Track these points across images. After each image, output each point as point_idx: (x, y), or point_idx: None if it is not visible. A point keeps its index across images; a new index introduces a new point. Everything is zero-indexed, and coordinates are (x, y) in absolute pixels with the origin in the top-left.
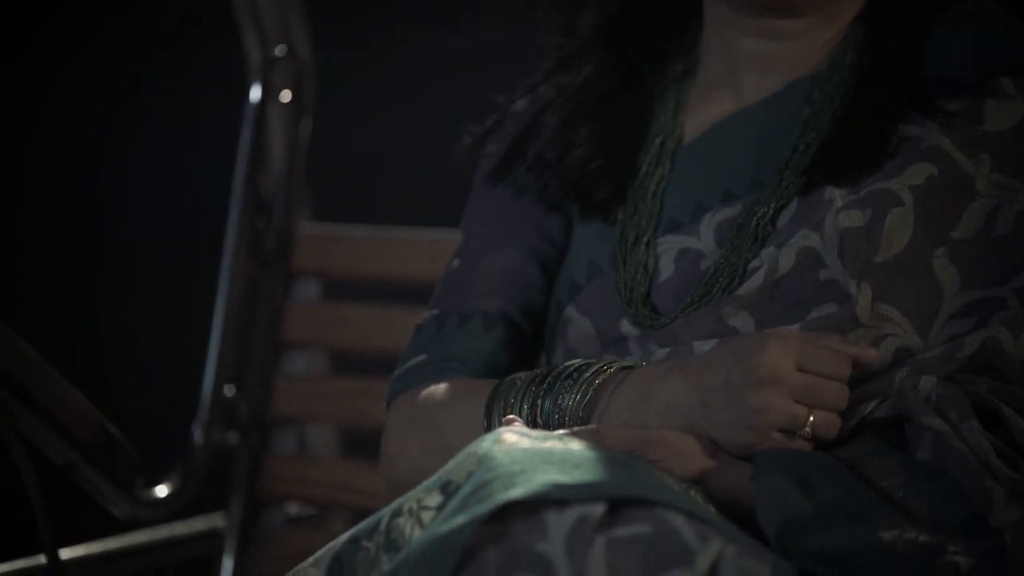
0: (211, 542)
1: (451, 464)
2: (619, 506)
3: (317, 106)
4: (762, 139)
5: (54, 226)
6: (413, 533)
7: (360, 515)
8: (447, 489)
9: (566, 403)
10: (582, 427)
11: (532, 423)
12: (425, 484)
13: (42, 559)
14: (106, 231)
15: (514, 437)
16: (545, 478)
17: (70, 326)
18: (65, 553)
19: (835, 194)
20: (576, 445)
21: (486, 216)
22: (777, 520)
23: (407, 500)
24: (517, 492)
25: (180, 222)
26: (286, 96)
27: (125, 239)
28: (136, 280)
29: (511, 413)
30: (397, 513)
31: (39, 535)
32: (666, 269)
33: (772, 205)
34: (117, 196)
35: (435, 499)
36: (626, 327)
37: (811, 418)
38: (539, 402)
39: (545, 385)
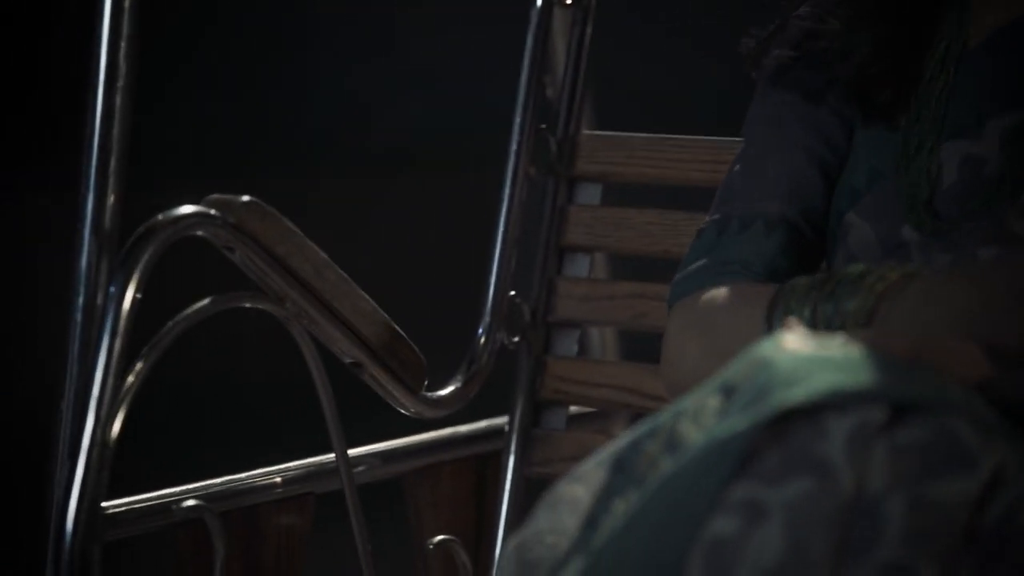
0: (493, 441)
1: (731, 368)
2: (900, 411)
3: (597, 11)
4: None
5: (332, 128)
6: (693, 436)
7: (639, 416)
8: (727, 392)
9: (847, 308)
10: (864, 332)
11: (813, 328)
12: (705, 387)
13: (332, 457)
14: (386, 133)
15: (795, 341)
16: (826, 383)
17: (354, 230)
18: (353, 451)
19: None
20: (857, 350)
21: (768, 121)
22: None
23: (687, 403)
24: (798, 397)
25: (464, 125)
26: None
27: (405, 141)
28: (418, 186)
29: (792, 317)
30: (677, 415)
31: (328, 434)
32: (949, 176)
33: None
34: (402, 99)
35: (715, 402)
36: (908, 233)
37: None
38: (820, 307)
39: (827, 290)
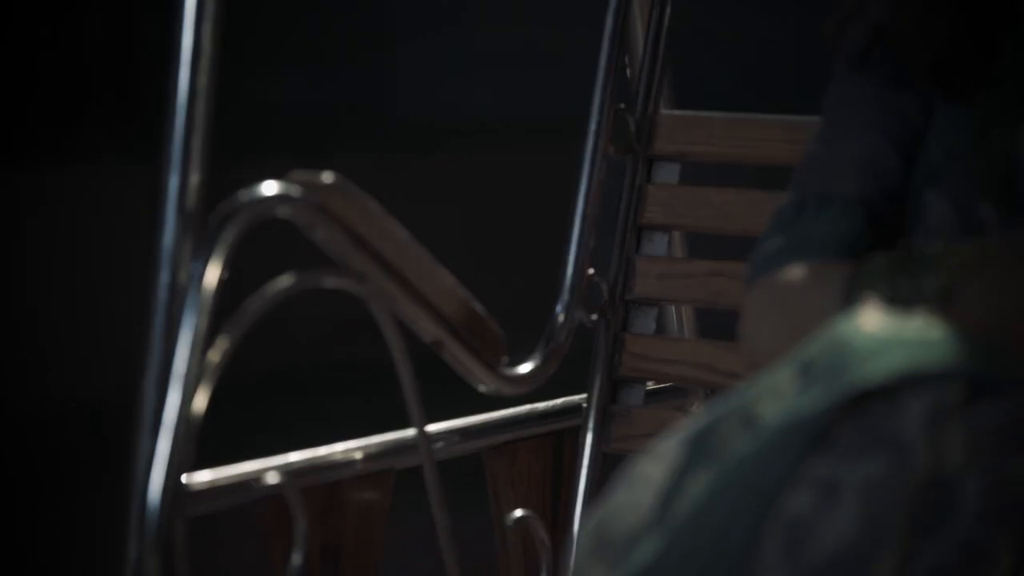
0: (571, 418)
1: (808, 346)
2: (978, 389)
3: None
4: None
5: (409, 106)
6: (769, 413)
7: (715, 393)
8: (804, 370)
9: (925, 287)
10: (942, 310)
11: (890, 306)
12: (782, 365)
13: (411, 433)
14: (465, 111)
15: (872, 320)
16: (903, 361)
17: (433, 208)
18: (432, 427)
19: None
20: (935, 328)
21: (847, 101)
22: None
23: (764, 380)
24: (875, 375)
25: (543, 105)
26: None
27: (485, 119)
28: (498, 165)
29: (869, 296)
30: (754, 393)
31: (408, 410)
32: None
33: None
34: (481, 78)
35: (792, 380)
36: (986, 211)
37: None
38: (897, 285)
39: (904, 269)
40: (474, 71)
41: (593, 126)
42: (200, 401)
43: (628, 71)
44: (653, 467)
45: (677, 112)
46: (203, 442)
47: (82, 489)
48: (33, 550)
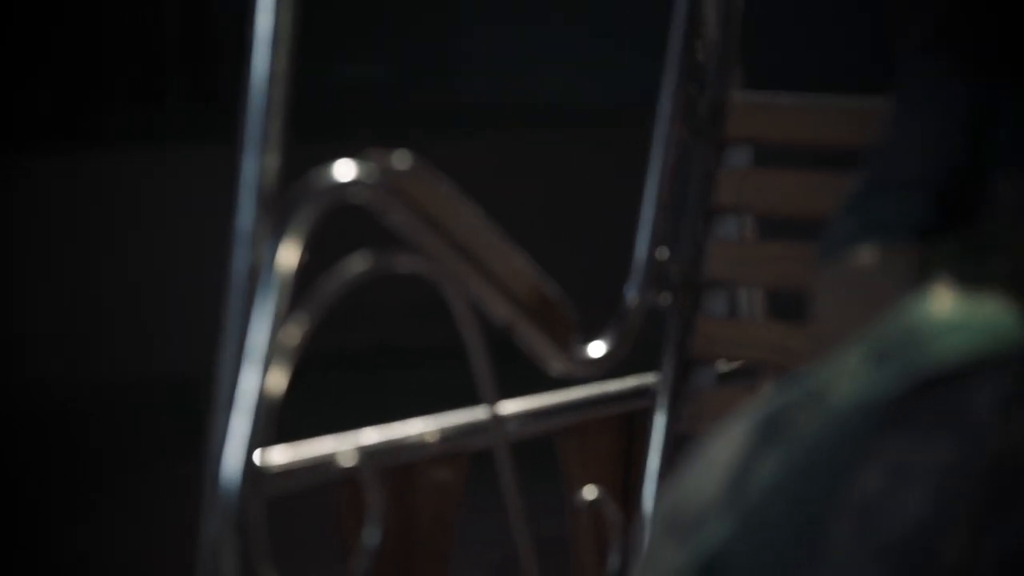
0: (642, 399)
1: (880, 328)
2: None
3: None
4: None
5: (487, 89)
6: (840, 395)
7: (785, 374)
8: (875, 353)
9: (996, 269)
10: (1013, 292)
11: (961, 288)
12: (853, 347)
13: (484, 414)
14: (538, 95)
15: (944, 302)
16: (975, 343)
17: (506, 189)
18: (504, 408)
19: None
20: (1007, 311)
21: (915, 84)
22: None
23: (835, 362)
24: (947, 358)
25: (611, 90)
26: None
27: (559, 103)
28: (569, 149)
29: (940, 278)
30: (825, 375)
31: (481, 390)
32: None
33: None
34: (556, 61)
35: (863, 362)
36: None
37: None
38: (968, 267)
39: (975, 251)
40: (552, 53)
41: (665, 109)
42: (277, 380)
43: (700, 54)
44: (724, 449)
45: (749, 95)
46: (280, 421)
47: (169, 466)
48: (113, 528)
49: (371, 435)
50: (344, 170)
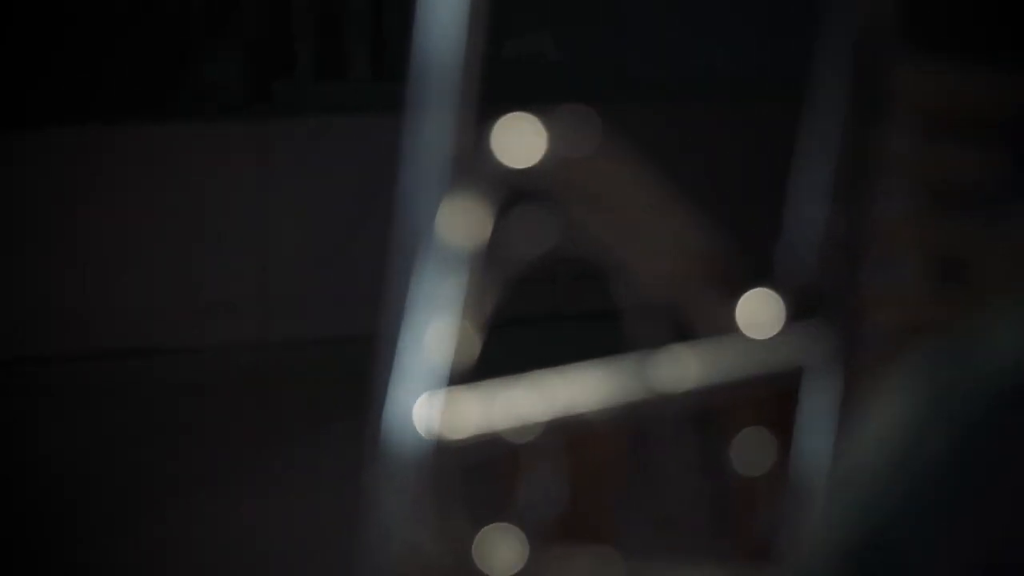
0: (805, 361)
1: None
2: None
3: None
4: None
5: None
6: (1004, 366)
7: (949, 346)
8: None
9: None
10: None
11: None
12: (1014, 316)
13: (647, 388)
14: (685, 69)
15: None
16: None
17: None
18: (665, 383)
19: None
20: None
21: None
22: None
23: (999, 332)
24: None
25: (774, 63)
26: None
27: (719, 78)
28: (733, 123)
29: None
30: (987, 345)
31: (640, 368)
32: None
33: None
34: (717, 33)
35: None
36: None
37: None
38: None
39: None
40: (708, 28)
41: (826, 84)
42: (455, 349)
43: (864, 24)
44: (889, 418)
45: (914, 69)
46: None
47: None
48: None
49: (539, 408)
50: (513, 162)
